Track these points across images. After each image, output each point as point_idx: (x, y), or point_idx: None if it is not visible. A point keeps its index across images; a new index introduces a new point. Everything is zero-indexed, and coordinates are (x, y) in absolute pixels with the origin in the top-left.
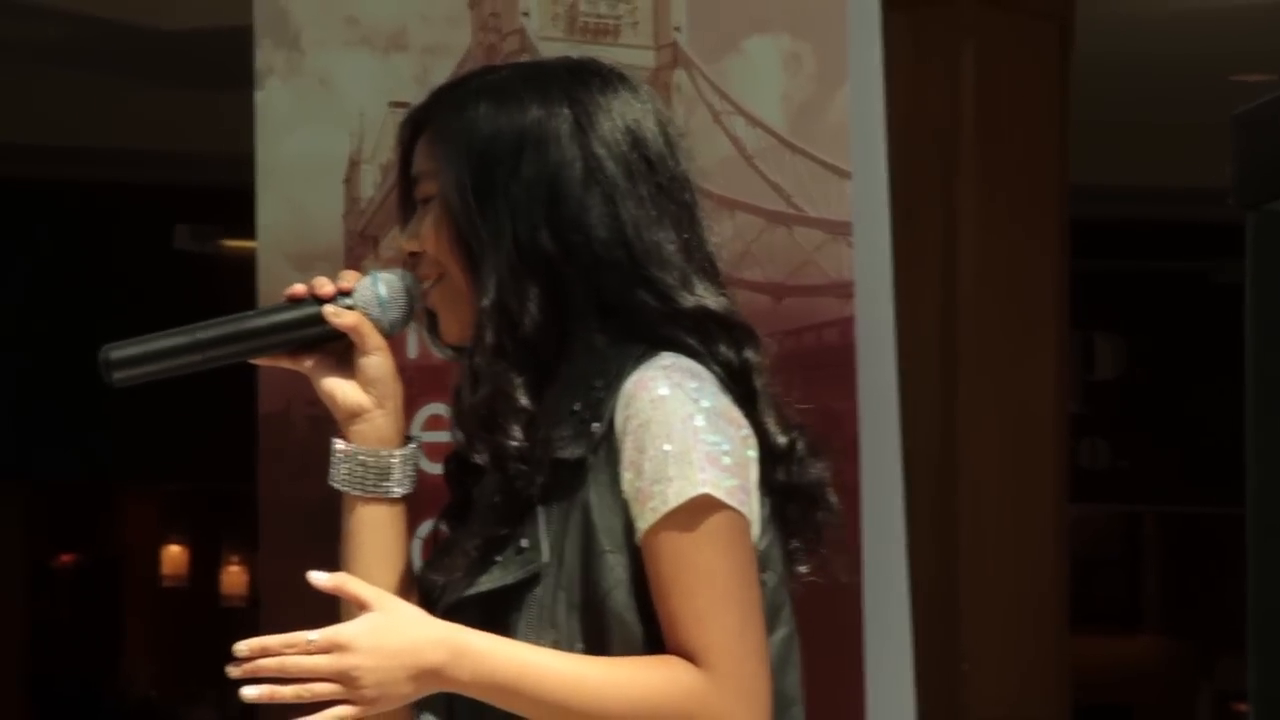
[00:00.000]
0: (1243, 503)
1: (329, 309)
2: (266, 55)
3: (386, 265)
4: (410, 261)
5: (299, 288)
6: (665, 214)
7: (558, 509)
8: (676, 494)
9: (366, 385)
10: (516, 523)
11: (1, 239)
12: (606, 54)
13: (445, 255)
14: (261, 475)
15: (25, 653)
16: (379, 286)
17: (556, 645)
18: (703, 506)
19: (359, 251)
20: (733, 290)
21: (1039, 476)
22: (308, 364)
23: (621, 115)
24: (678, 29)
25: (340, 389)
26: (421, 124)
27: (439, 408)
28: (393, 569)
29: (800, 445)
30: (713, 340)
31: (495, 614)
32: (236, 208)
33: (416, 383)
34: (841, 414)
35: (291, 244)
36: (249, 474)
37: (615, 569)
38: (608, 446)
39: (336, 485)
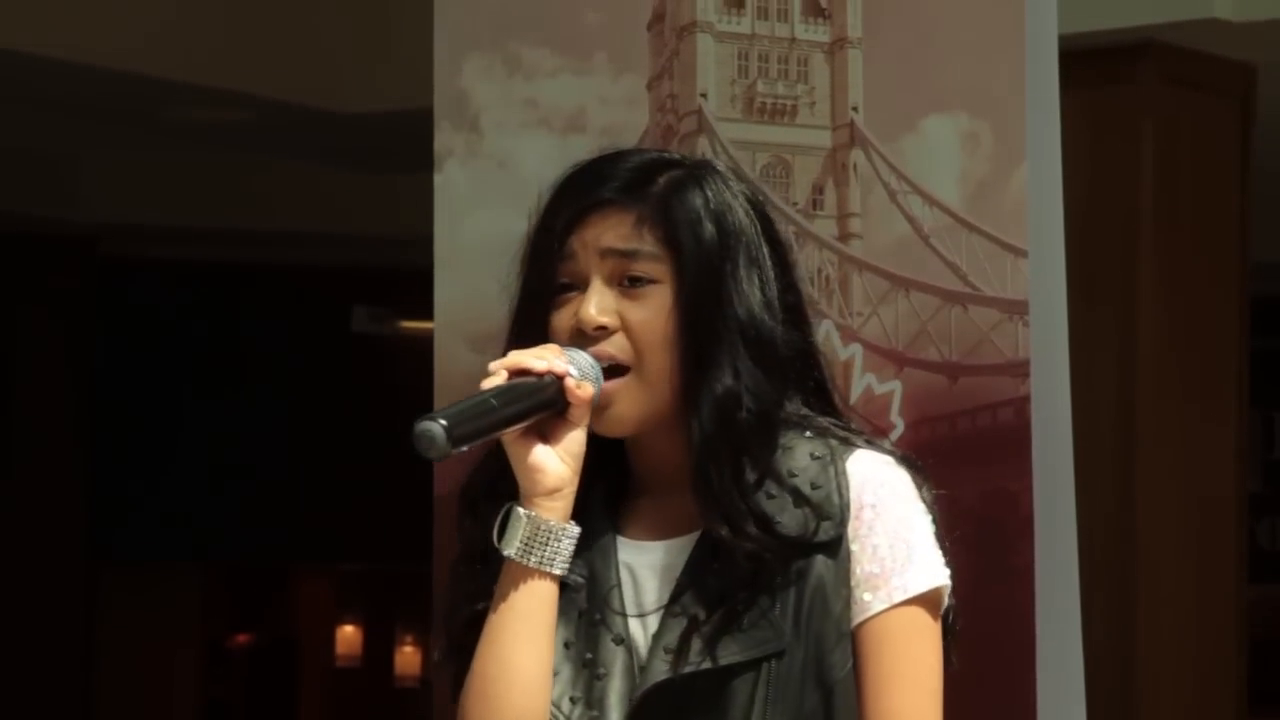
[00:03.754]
0: None
1: (572, 382)
2: (445, 138)
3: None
4: (593, 335)
5: (527, 362)
6: (814, 325)
7: (790, 588)
8: (918, 582)
9: (568, 458)
10: (745, 599)
11: (180, 320)
12: (784, 134)
13: (663, 341)
14: (436, 556)
15: None
16: (580, 360)
17: None
18: (936, 599)
19: None
20: (909, 370)
21: (1218, 557)
22: (511, 435)
23: (774, 220)
24: (855, 108)
25: (550, 461)
26: (608, 203)
27: None
28: (550, 646)
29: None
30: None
31: (731, 686)
32: (413, 290)
33: None
34: (1017, 494)
35: (469, 325)
36: (423, 555)
37: (847, 653)
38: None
39: (511, 554)
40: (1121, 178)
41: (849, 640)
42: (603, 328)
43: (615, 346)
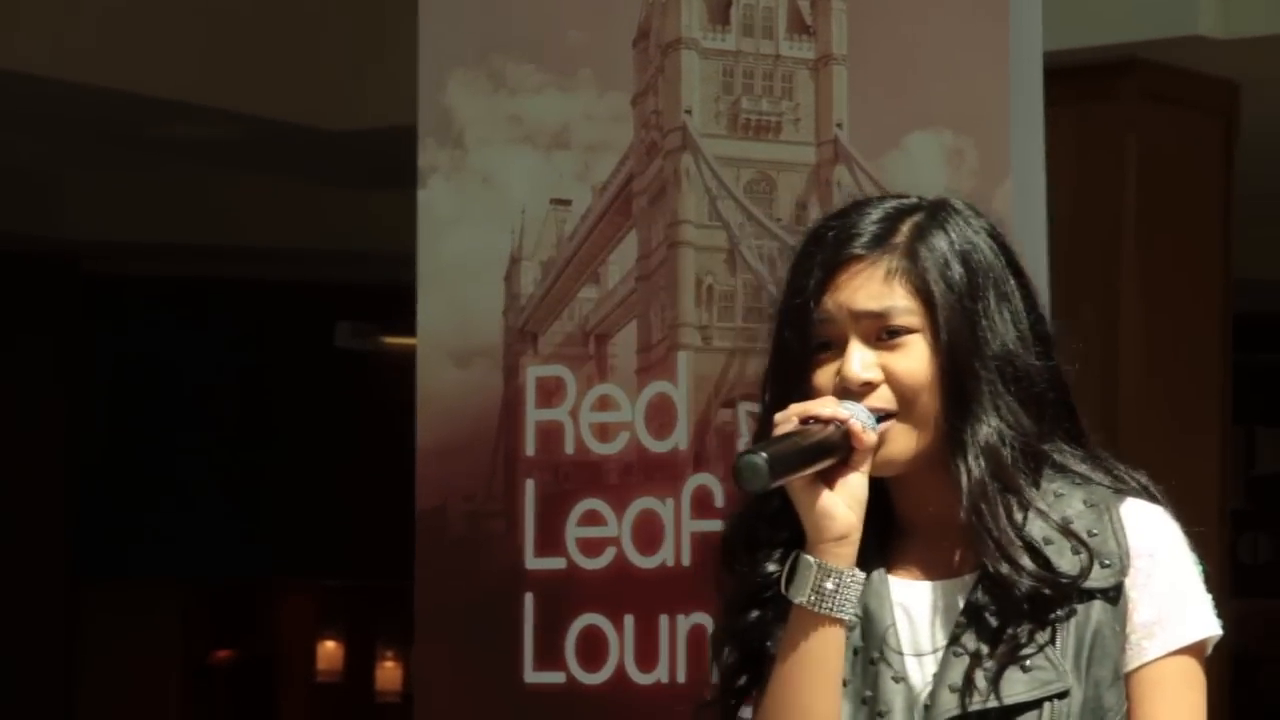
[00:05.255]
0: None
1: (858, 426)
2: (430, 154)
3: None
4: (860, 391)
5: (814, 409)
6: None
7: (1069, 631)
8: (1194, 631)
9: (854, 504)
10: (1026, 639)
11: (165, 336)
12: (768, 150)
13: (926, 387)
14: (418, 571)
15: None
16: (858, 410)
17: None
18: (1206, 648)
19: (518, 348)
20: None
21: None
22: (800, 482)
23: (1014, 252)
24: (839, 125)
25: (839, 508)
26: (856, 259)
27: (595, 503)
28: (839, 690)
29: None
30: (1155, 495)
31: None
32: (397, 305)
33: (573, 478)
34: None
35: (451, 341)
36: (405, 570)
37: (1122, 697)
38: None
39: (802, 602)
40: (1105, 194)
41: (1122, 687)
42: (868, 383)
43: (881, 399)
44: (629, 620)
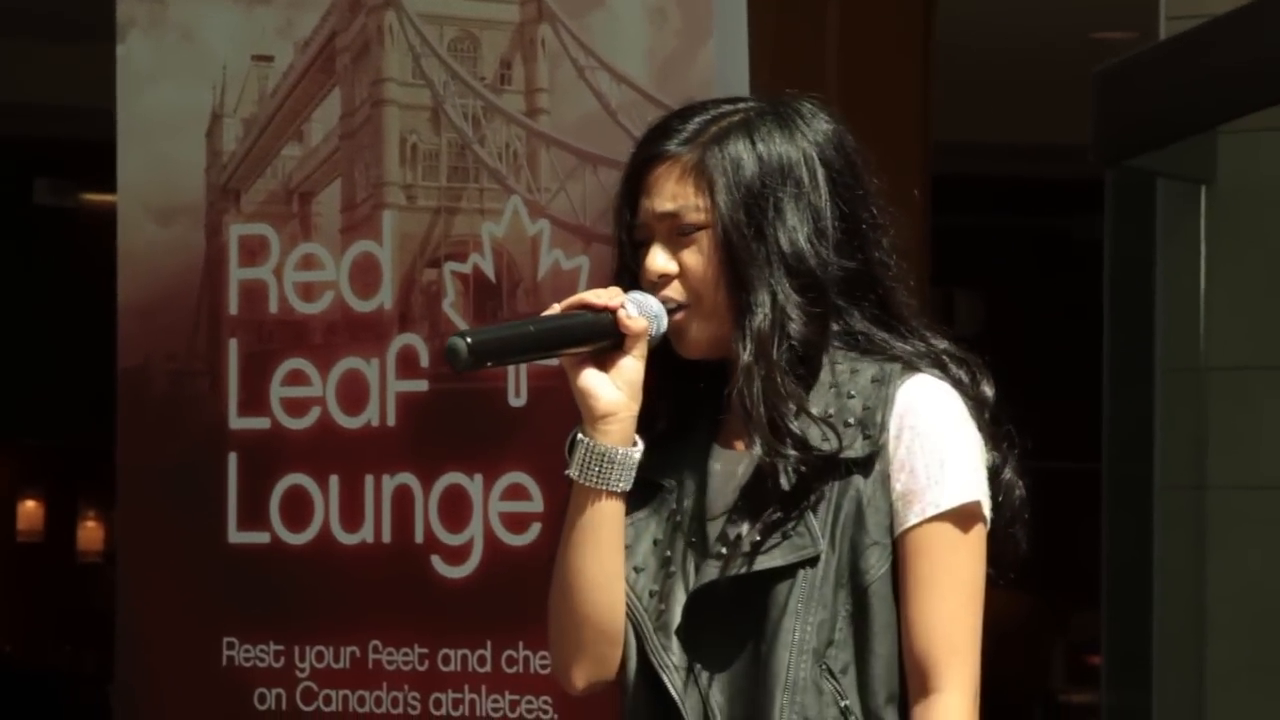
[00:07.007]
0: (1099, 459)
1: (625, 312)
2: (128, 8)
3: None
4: (659, 283)
5: (586, 298)
6: (886, 243)
7: (829, 500)
8: (950, 497)
9: (623, 385)
10: (787, 510)
11: None
12: (471, 8)
13: (711, 279)
14: (120, 430)
15: None
16: (648, 303)
17: (824, 623)
18: (970, 513)
19: (220, 206)
20: (596, 245)
21: None
22: (568, 363)
23: (847, 150)
24: None
25: (604, 387)
26: (661, 159)
27: (299, 362)
28: (620, 556)
29: (1009, 468)
30: (962, 373)
31: (771, 589)
32: (97, 162)
33: (277, 337)
34: None
35: (153, 197)
36: (106, 430)
37: (882, 559)
38: (882, 448)
39: (577, 478)
40: (806, 55)
41: (884, 550)
42: (664, 276)
43: (674, 290)
44: (333, 480)
